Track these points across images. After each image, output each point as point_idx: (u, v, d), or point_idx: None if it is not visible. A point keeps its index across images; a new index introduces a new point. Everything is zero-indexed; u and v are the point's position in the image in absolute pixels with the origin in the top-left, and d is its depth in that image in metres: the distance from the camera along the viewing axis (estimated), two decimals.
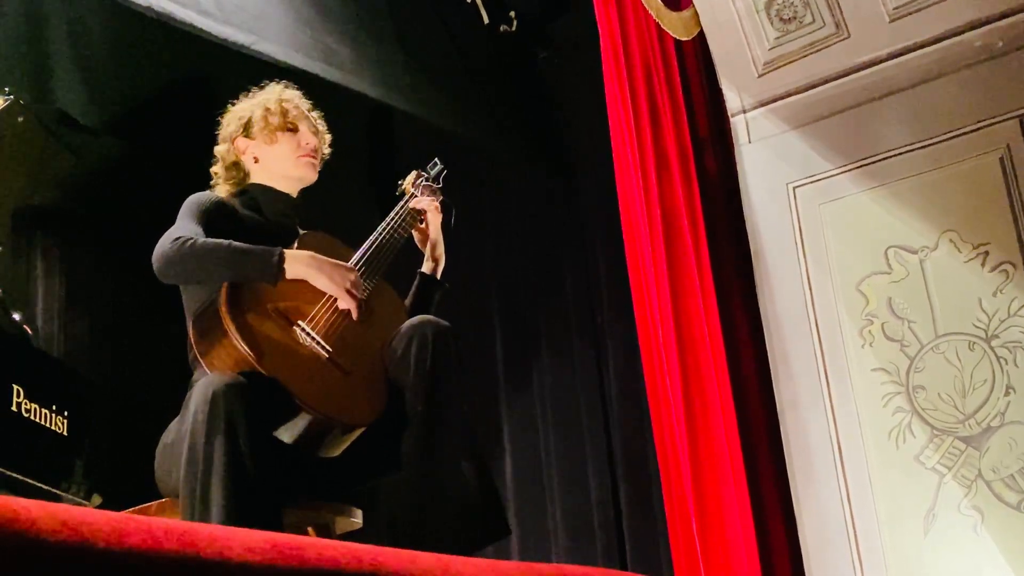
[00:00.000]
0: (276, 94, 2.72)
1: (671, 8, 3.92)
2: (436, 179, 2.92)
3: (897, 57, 3.60)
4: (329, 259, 2.45)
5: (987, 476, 3.25)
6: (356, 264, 2.55)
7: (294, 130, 2.67)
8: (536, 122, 4.99)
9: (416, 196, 2.82)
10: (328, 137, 2.79)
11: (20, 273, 4.35)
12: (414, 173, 2.91)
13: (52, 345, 4.47)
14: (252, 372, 2.23)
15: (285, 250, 2.41)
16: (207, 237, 2.40)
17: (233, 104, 2.75)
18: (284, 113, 2.67)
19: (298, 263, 2.41)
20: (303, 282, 2.42)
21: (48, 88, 4.15)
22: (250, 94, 2.76)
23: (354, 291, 2.45)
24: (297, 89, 2.79)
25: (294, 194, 2.71)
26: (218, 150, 2.72)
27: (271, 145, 2.66)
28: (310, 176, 2.71)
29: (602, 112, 4.02)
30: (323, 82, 3.78)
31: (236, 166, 2.70)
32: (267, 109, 2.67)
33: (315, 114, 2.77)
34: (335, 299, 2.44)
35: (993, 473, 3.24)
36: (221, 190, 2.70)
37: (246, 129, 2.68)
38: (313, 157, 2.70)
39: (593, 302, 4.77)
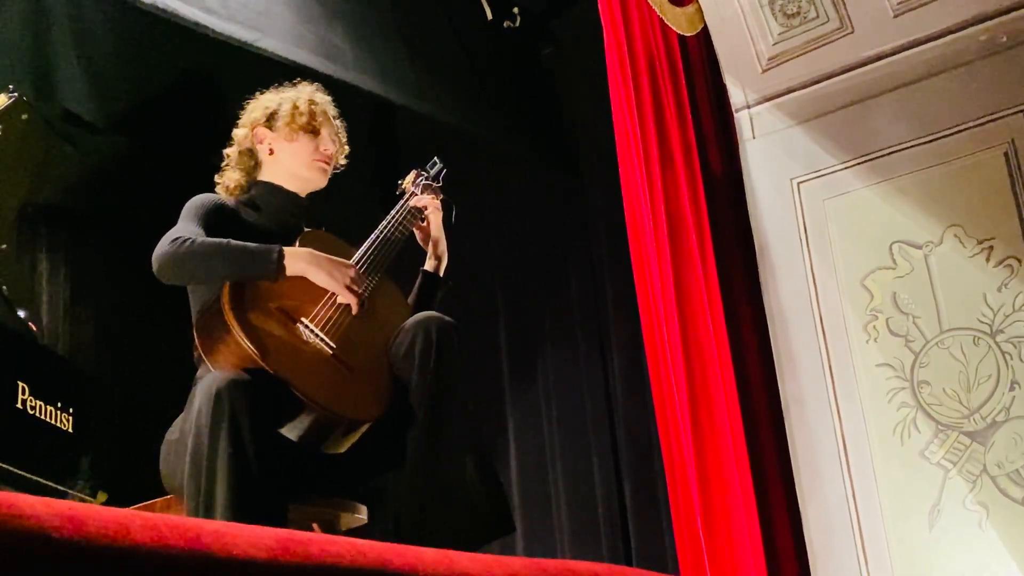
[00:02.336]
0: (308, 94, 2.73)
1: (675, 4, 3.92)
2: (436, 177, 2.93)
3: (901, 52, 3.59)
4: (329, 256, 2.46)
5: (992, 471, 3.25)
6: (357, 262, 2.55)
7: (316, 133, 2.68)
8: (540, 118, 4.98)
9: (416, 195, 2.82)
10: (346, 148, 2.80)
11: (25, 271, 4.35)
12: (414, 172, 2.91)
13: (57, 342, 4.48)
14: (256, 369, 2.23)
15: (285, 247, 2.42)
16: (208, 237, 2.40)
17: (262, 92, 2.75)
18: (312, 115, 2.68)
19: (298, 260, 2.41)
20: (305, 280, 2.42)
21: (52, 86, 4.16)
22: (281, 87, 2.76)
23: (354, 287, 2.45)
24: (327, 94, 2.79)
25: (302, 194, 2.71)
26: (236, 133, 2.72)
27: (290, 142, 2.66)
28: (320, 181, 2.71)
29: (606, 108, 4.02)
30: (327, 79, 3.77)
31: (250, 153, 2.70)
32: (295, 106, 2.68)
33: (339, 123, 2.78)
34: (337, 296, 2.44)
35: (998, 468, 3.24)
36: (230, 175, 2.69)
37: (269, 120, 2.68)
38: (327, 163, 2.70)
39: (598, 298, 4.77)
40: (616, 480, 4.54)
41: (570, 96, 5.00)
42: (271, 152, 2.68)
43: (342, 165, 2.80)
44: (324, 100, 2.75)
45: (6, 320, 3.50)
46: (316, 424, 2.29)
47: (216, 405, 2.12)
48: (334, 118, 2.76)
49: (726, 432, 3.53)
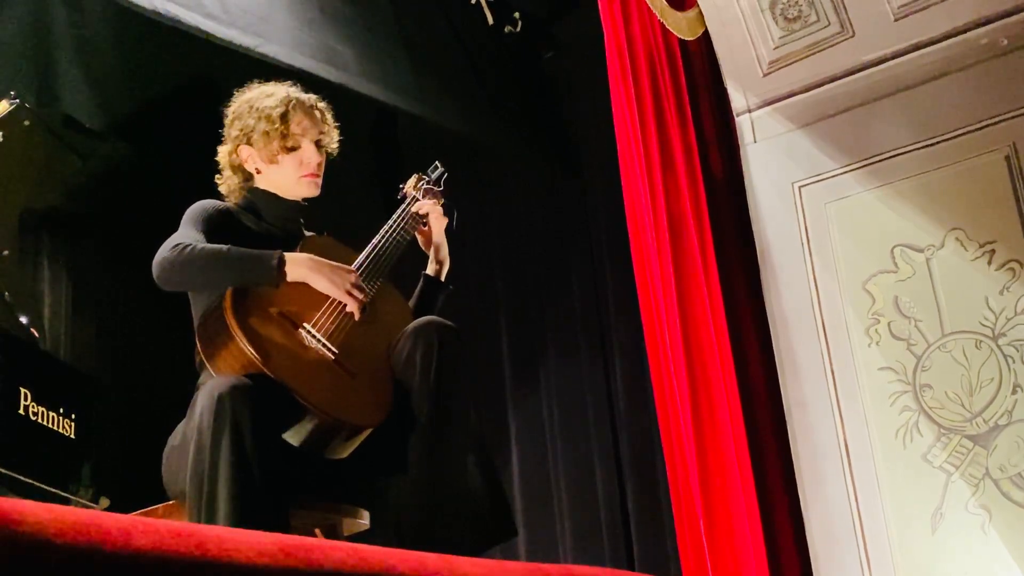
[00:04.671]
0: (281, 104, 2.60)
1: (675, 8, 3.92)
2: (437, 182, 2.91)
3: (902, 56, 3.60)
4: (329, 261, 2.45)
5: (994, 475, 3.25)
6: (359, 267, 2.55)
7: (296, 148, 2.60)
8: (542, 122, 4.99)
9: (418, 199, 2.81)
10: (335, 133, 2.71)
11: (27, 276, 4.36)
12: (415, 176, 2.90)
13: (59, 348, 4.48)
14: (258, 374, 2.23)
15: (285, 253, 2.41)
16: (208, 243, 2.39)
17: (239, 91, 2.67)
18: (283, 135, 2.58)
19: (298, 266, 2.41)
20: (307, 286, 2.41)
21: (54, 92, 4.16)
22: (255, 84, 2.67)
23: (354, 292, 2.44)
24: (302, 89, 2.70)
25: (300, 199, 2.69)
26: (220, 150, 2.68)
27: (271, 164, 2.61)
28: (311, 193, 2.66)
29: (607, 112, 4.02)
30: (328, 84, 3.78)
31: (241, 167, 2.67)
32: (266, 132, 2.57)
33: (322, 105, 2.67)
34: (339, 302, 2.44)
35: (1000, 471, 3.24)
36: (231, 179, 2.67)
37: (248, 138, 2.60)
38: (315, 176, 2.62)
39: (600, 303, 4.77)
40: (618, 483, 4.54)
41: (571, 100, 5.01)
42: (258, 171, 2.64)
43: (335, 150, 2.72)
44: (298, 102, 2.62)
45: (8, 325, 3.51)
46: (318, 429, 2.29)
47: (218, 410, 2.12)
48: (312, 107, 2.64)
49: (728, 435, 3.53)
